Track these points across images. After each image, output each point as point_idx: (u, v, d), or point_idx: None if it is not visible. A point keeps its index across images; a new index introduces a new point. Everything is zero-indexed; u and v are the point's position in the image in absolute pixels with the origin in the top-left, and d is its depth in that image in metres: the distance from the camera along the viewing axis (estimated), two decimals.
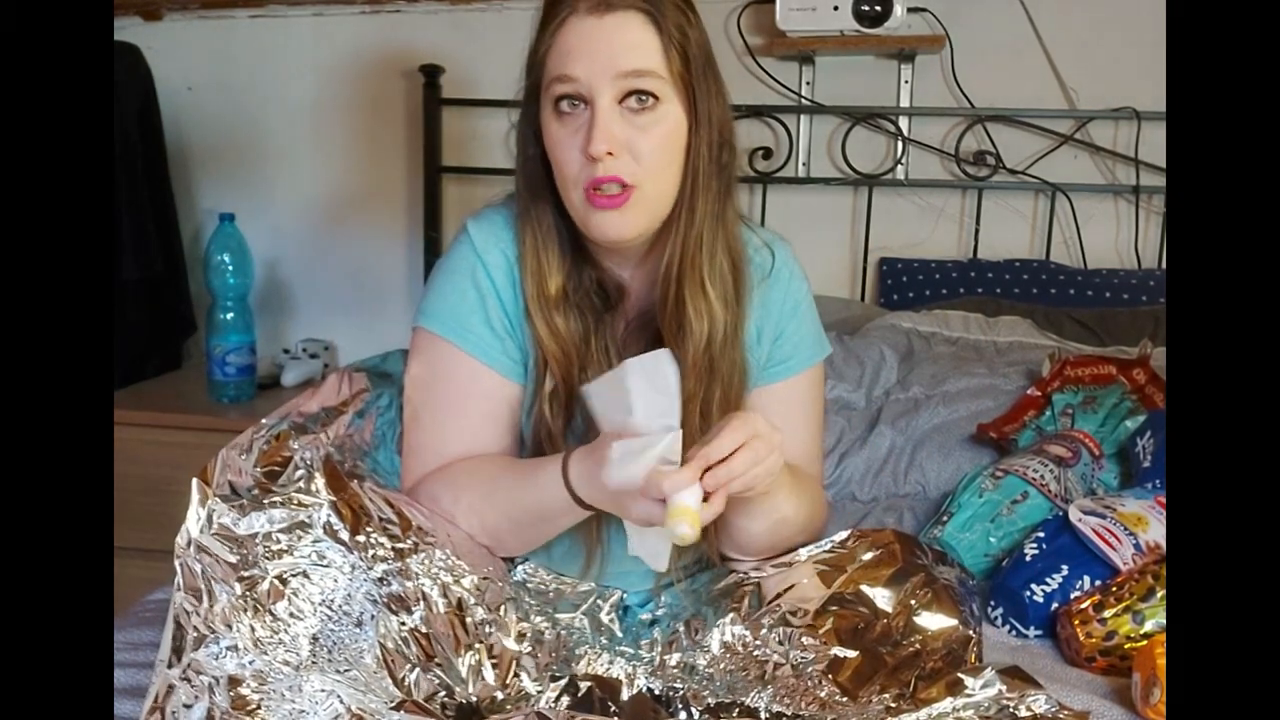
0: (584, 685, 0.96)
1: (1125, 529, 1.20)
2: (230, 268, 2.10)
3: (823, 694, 0.94)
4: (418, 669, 0.88)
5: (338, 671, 0.84)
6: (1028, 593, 1.19)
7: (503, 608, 0.97)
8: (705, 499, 0.87)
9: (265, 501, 0.90)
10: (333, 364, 2.39)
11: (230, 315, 2.10)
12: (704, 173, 1.02)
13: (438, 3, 2.31)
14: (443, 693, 0.89)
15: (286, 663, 0.83)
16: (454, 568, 0.94)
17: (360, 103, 2.39)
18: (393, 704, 0.83)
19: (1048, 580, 1.19)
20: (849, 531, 1.07)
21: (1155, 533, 1.19)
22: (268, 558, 0.87)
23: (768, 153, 2.19)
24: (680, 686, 0.99)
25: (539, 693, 0.94)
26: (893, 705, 0.91)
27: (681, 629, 1.06)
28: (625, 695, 0.97)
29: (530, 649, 0.97)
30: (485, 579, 0.96)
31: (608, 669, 1.02)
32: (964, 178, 2.16)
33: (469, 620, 0.93)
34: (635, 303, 1.10)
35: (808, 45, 2.10)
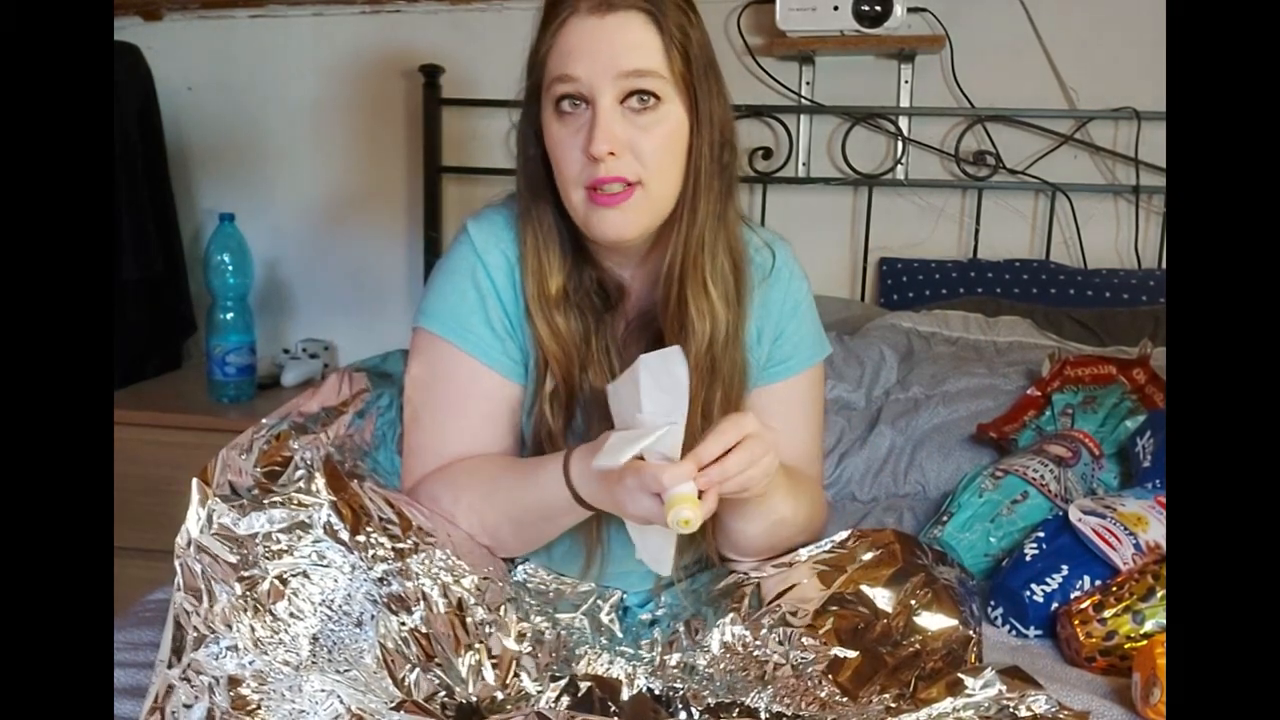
0: (584, 685, 0.96)
1: (1125, 529, 1.20)
2: (230, 268, 2.10)
3: (823, 694, 0.94)
4: (418, 669, 0.88)
5: (338, 671, 0.84)
6: (1028, 593, 1.19)
7: (503, 608, 0.97)
8: (699, 497, 0.87)
9: (265, 501, 0.90)
10: (333, 364, 2.39)
11: (230, 315, 2.10)
12: (706, 172, 1.02)
13: (438, 3, 2.31)
14: (443, 693, 0.89)
15: (286, 663, 0.83)
16: (454, 568, 0.94)
17: (360, 103, 2.39)
18: (393, 704, 0.83)
19: (1048, 580, 1.19)
20: (849, 531, 1.07)
21: (1155, 533, 1.19)
22: (268, 558, 0.87)
23: (768, 153, 2.19)
24: (680, 686, 0.99)
25: (539, 693, 0.94)
26: (893, 705, 0.91)
27: (681, 629, 1.06)
28: (625, 695, 0.97)
29: (530, 649, 0.97)
30: (485, 579, 0.96)
31: (608, 669, 1.02)
32: (964, 178, 2.16)
33: (469, 620, 0.93)
34: (635, 303, 1.10)
35: (808, 45, 2.10)
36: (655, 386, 0.89)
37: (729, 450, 0.89)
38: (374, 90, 2.37)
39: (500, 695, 0.92)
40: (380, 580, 0.90)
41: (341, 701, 0.81)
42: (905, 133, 2.16)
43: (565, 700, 0.94)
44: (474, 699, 0.90)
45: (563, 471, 0.96)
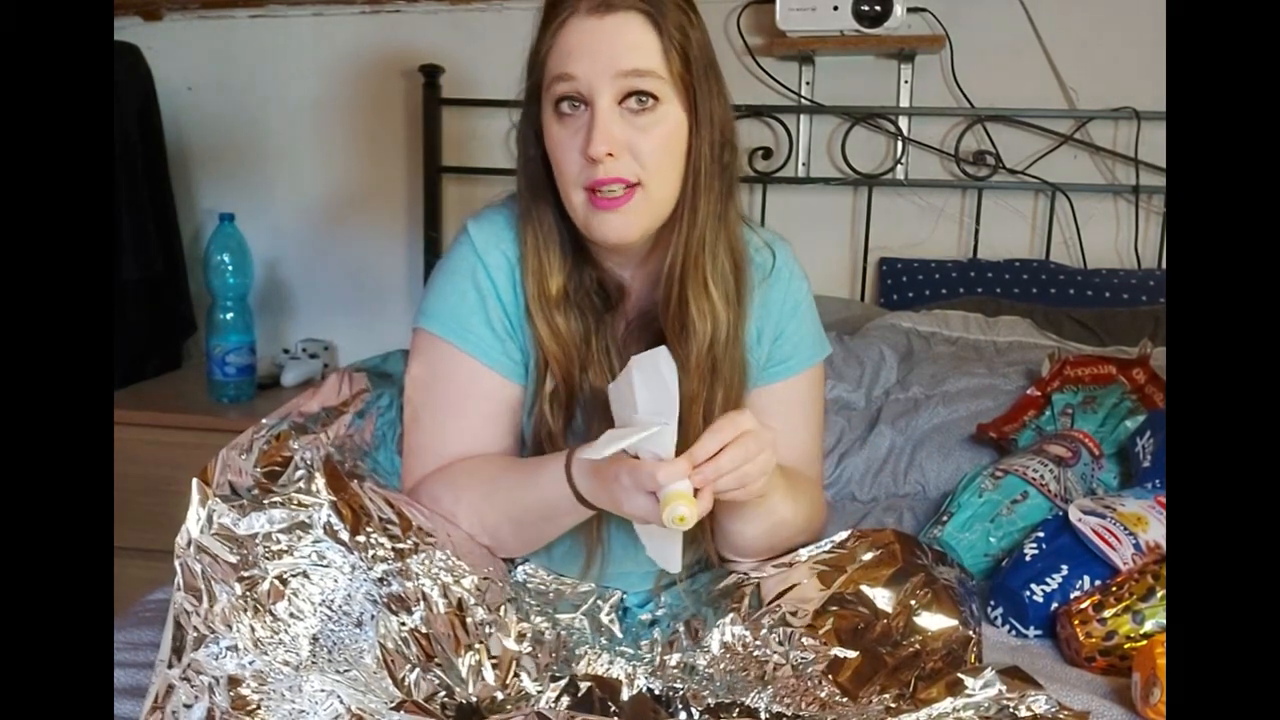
0: (584, 685, 0.96)
1: (1125, 529, 1.20)
2: (230, 268, 2.10)
3: (823, 694, 0.94)
4: (418, 669, 0.88)
5: (338, 672, 0.84)
6: (1027, 593, 1.19)
7: (503, 608, 0.97)
8: (695, 494, 0.87)
9: (265, 501, 0.90)
10: (332, 364, 2.39)
11: (230, 315, 2.10)
12: (705, 173, 1.02)
13: (438, 3, 2.31)
14: (443, 693, 0.89)
15: (286, 663, 0.83)
16: (454, 568, 0.94)
17: (360, 103, 2.39)
18: (393, 704, 0.83)
19: (1048, 580, 1.19)
20: (849, 531, 1.07)
21: (1155, 533, 1.19)
22: (268, 558, 0.87)
23: (768, 153, 2.19)
24: (680, 687, 0.99)
25: (539, 693, 0.95)
26: (893, 705, 0.91)
27: (681, 629, 1.06)
28: (625, 695, 0.97)
29: (530, 649, 0.97)
30: (486, 579, 0.96)
31: (608, 669, 1.02)
32: (964, 178, 2.16)
33: (469, 620, 0.93)
34: (636, 303, 1.10)
35: (808, 45, 2.10)
36: (646, 386, 0.89)
37: (724, 447, 0.89)
38: (374, 90, 2.37)
39: (500, 695, 0.92)
40: (380, 580, 0.90)
41: (341, 701, 0.81)
42: (905, 133, 2.16)
43: (565, 700, 0.94)
44: (474, 699, 0.90)
45: (564, 471, 0.96)
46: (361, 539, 0.91)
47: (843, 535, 1.06)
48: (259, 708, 0.81)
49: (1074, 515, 1.22)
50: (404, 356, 1.16)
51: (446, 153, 2.31)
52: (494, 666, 0.93)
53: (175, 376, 2.35)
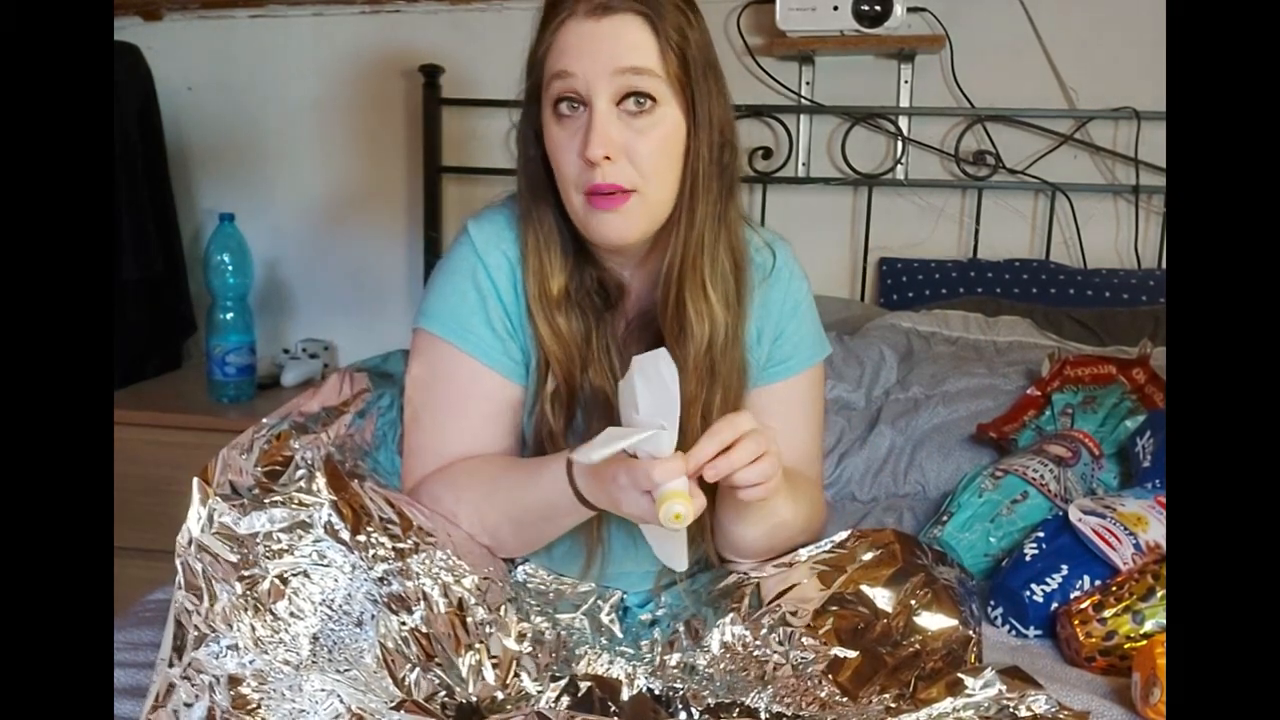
0: (584, 685, 0.96)
1: (1125, 529, 1.20)
2: (230, 268, 2.10)
3: (823, 694, 0.94)
4: (418, 669, 0.88)
5: (338, 671, 0.84)
6: (1027, 593, 1.19)
7: (503, 608, 0.97)
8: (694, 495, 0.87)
9: (266, 501, 0.90)
10: (332, 364, 2.39)
11: (230, 315, 2.10)
12: (704, 174, 1.01)
13: (438, 3, 2.31)
14: (443, 693, 0.89)
15: (287, 662, 0.83)
16: (454, 568, 0.94)
17: (360, 103, 2.39)
18: (393, 704, 0.83)
19: (1047, 580, 1.19)
20: (849, 531, 1.07)
21: (1155, 533, 1.19)
22: (268, 557, 0.87)
23: (767, 153, 2.19)
24: (680, 686, 0.99)
25: (539, 693, 0.95)
26: (893, 705, 0.91)
27: (681, 629, 1.06)
28: (625, 695, 0.97)
29: (530, 649, 0.97)
30: (486, 579, 0.96)
31: (608, 669, 1.02)
32: (964, 178, 2.16)
33: (469, 620, 0.93)
34: (636, 302, 1.10)
35: (808, 45, 2.10)
36: (647, 387, 0.89)
37: (728, 446, 0.89)
38: (374, 90, 2.37)
39: (500, 695, 0.92)
40: (381, 580, 0.90)
41: (341, 701, 0.81)
42: (905, 133, 2.16)
43: (565, 700, 0.94)
44: (474, 699, 0.90)
45: (565, 471, 0.96)
46: (362, 538, 0.91)
47: (843, 535, 1.06)
48: (259, 707, 0.81)
49: (1074, 515, 1.22)
50: (404, 356, 1.16)
51: (446, 153, 2.31)
52: (494, 666, 0.93)
53: (175, 376, 2.36)
